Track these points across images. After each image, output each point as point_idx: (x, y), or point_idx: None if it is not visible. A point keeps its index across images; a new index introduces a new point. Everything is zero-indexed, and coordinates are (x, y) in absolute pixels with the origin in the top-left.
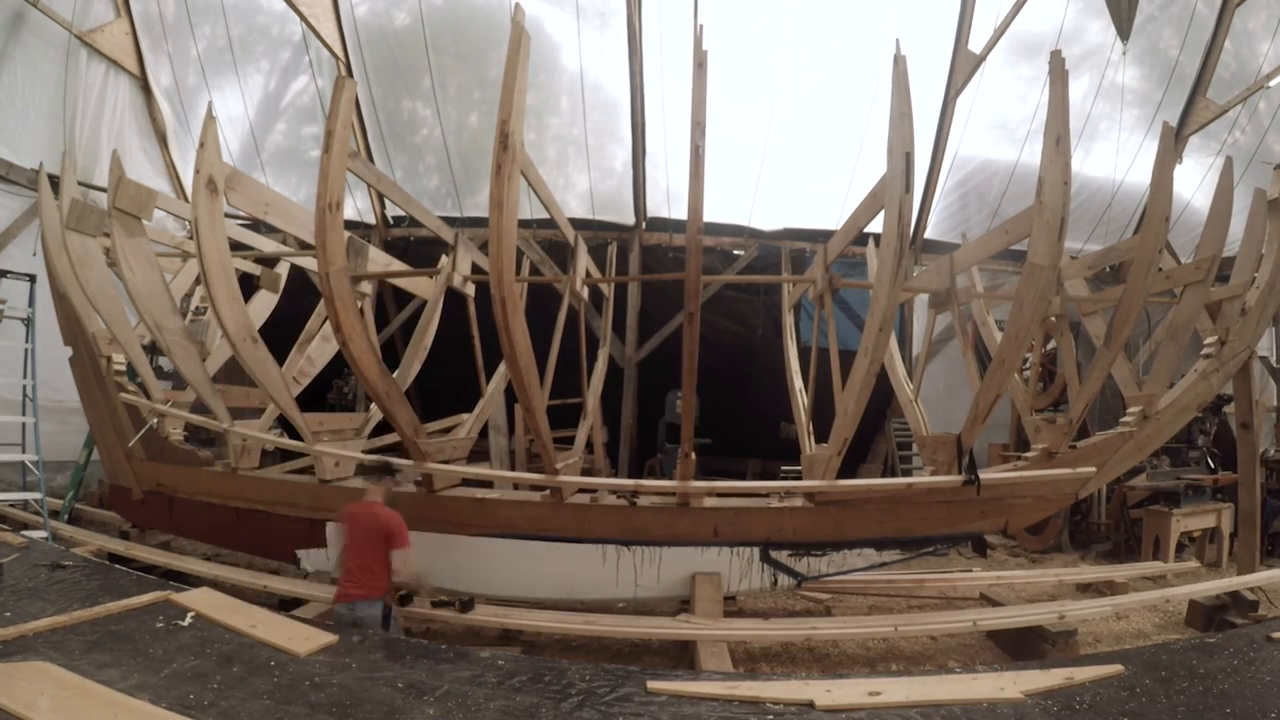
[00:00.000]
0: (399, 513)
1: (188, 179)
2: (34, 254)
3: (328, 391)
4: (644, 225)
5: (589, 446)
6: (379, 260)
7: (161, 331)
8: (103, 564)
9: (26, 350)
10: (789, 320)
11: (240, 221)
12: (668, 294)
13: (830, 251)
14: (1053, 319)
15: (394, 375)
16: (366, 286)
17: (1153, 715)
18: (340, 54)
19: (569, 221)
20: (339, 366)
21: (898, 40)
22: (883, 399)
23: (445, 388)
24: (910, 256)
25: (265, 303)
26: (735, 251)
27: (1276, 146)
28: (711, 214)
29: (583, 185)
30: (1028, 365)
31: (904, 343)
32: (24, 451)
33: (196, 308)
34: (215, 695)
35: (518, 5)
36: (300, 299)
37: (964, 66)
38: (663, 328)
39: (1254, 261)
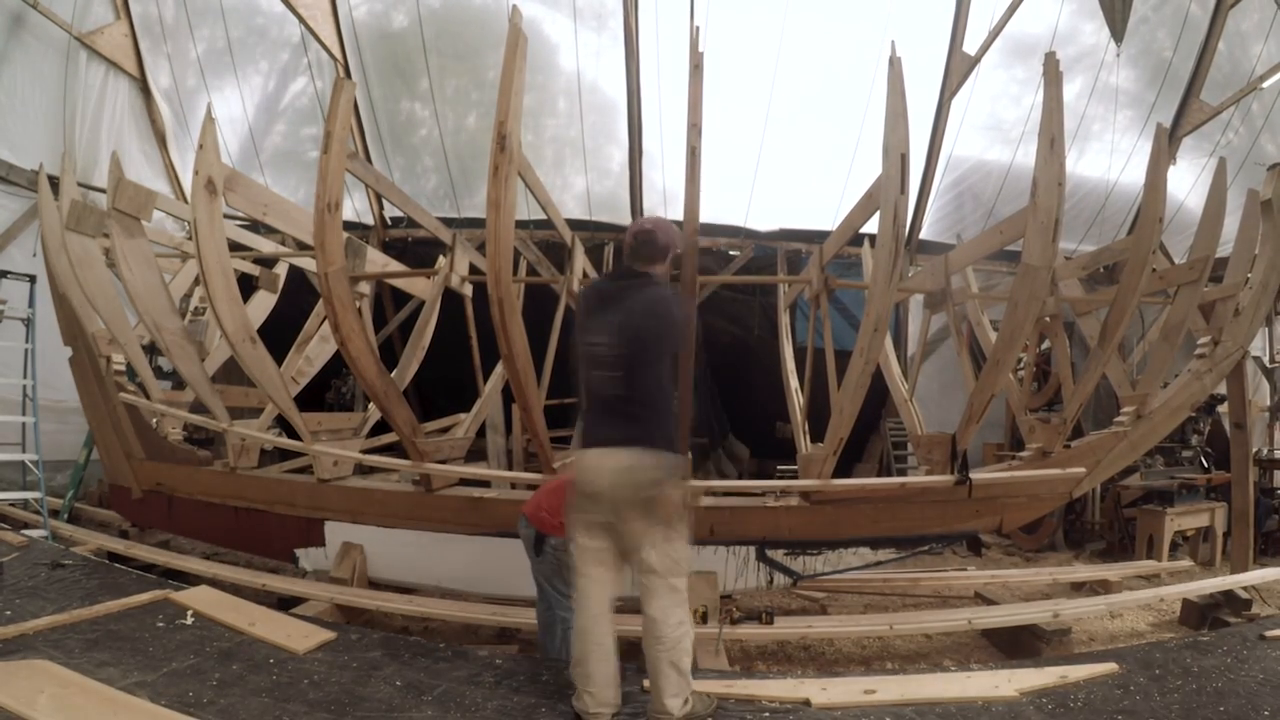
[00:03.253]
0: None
1: (187, 180)
2: (34, 254)
3: (326, 391)
4: None
5: None
6: (377, 260)
7: (161, 331)
8: (102, 563)
9: (26, 350)
10: (785, 320)
11: (239, 222)
12: None
13: (826, 252)
14: (1047, 319)
15: (392, 375)
16: (365, 287)
17: (1147, 713)
18: (339, 56)
19: (566, 222)
20: (337, 366)
21: (893, 42)
22: (878, 399)
23: (443, 387)
24: (905, 257)
25: (264, 303)
26: (731, 252)
27: (1270, 148)
28: (708, 215)
29: (580, 186)
30: (1022, 365)
31: (899, 343)
32: (24, 451)
33: (196, 308)
34: (214, 693)
35: (515, 7)
36: (299, 299)
37: (959, 68)
38: None
39: (1247, 262)
